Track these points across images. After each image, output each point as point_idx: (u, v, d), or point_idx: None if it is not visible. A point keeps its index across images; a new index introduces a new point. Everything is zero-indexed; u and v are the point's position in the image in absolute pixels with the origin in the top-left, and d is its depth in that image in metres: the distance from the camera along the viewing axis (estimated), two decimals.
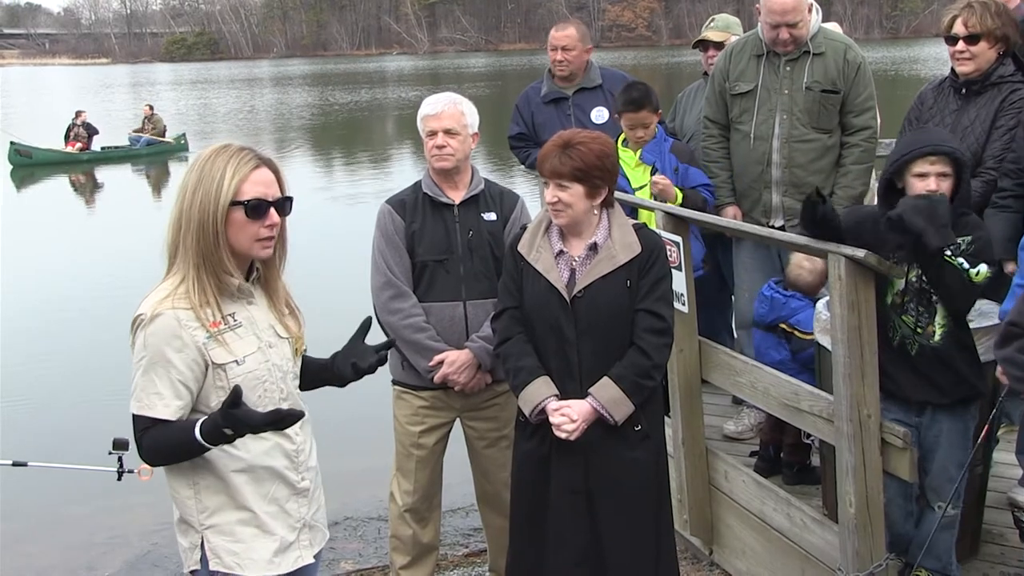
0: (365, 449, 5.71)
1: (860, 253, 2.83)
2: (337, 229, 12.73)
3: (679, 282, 3.51)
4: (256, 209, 2.23)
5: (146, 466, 3.28)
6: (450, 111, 3.41)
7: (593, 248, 2.90)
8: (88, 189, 19.72)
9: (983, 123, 3.77)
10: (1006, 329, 2.43)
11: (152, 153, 22.21)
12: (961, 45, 3.76)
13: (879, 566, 2.99)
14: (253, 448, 2.28)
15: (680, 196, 4.19)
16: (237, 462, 2.27)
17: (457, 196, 3.48)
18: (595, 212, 2.91)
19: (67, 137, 22.17)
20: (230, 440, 2.16)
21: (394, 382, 3.62)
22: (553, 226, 2.96)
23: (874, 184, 4.26)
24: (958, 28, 3.77)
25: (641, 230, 2.97)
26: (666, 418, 3.52)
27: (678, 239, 3.56)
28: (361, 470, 5.57)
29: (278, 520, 2.33)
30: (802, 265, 3.96)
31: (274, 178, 2.29)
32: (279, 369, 2.34)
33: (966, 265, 2.82)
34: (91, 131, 22.30)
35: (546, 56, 5.08)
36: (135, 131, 22.92)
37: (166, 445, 2.20)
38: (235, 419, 2.10)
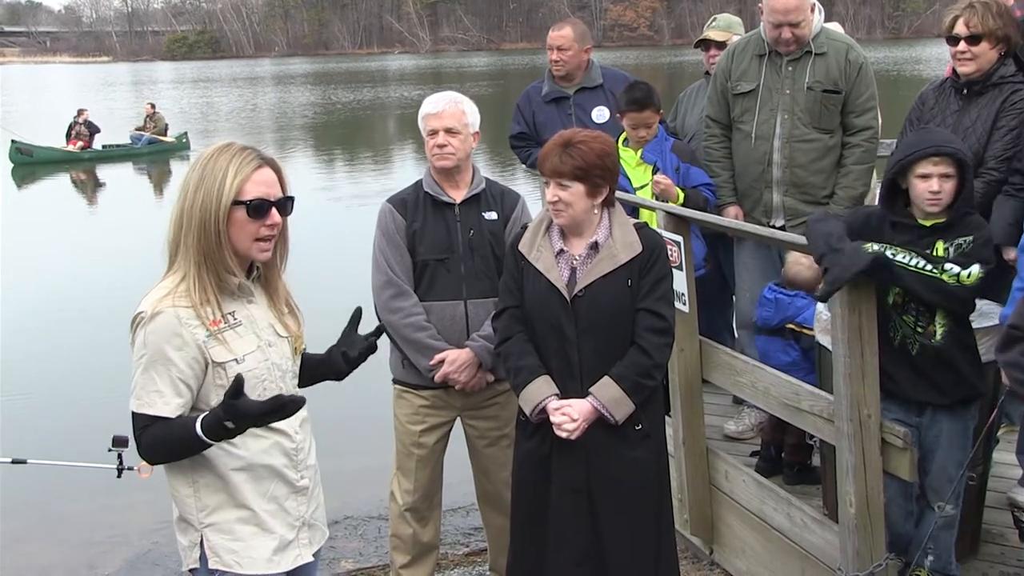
0: (365, 448, 5.71)
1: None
2: (338, 228, 12.73)
3: (680, 281, 3.51)
4: (258, 209, 2.24)
5: (146, 463, 3.28)
6: (451, 110, 3.41)
7: (594, 247, 2.90)
8: (89, 187, 19.73)
9: (984, 123, 3.76)
10: (1008, 333, 2.43)
11: (153, 152, 22.22)
12: (962, 45, 3.76)
13: (879, 566, 2.99)
14: (252, 446, 2.28)
15: (682, 196, 4.19)
16: (236, 460, 2.27)
17: (458, 195, 3.49)
18: (596, 211, 2.91)
19: (68, 135, 22.19)
20: (231, 435, 2.15)
21: (395, 381, 3.62)
22: (554, 225, 2.96)
23: (875, 185, 4.27)
24: (959, 28, 3.76)
25: (642, 229, 2.97)
26: (667, 417, 3.52)
27: (679, 238, 3.56)
28: (361, 469, 5.58)
29: (277, 518, 2.33)
30: (800, 261, 3.96)
31: (276, 178, 2.29)
32: (278, 368, 2.34)
33: (956, 269, 2.82)
34: (93, 129, 22.32)
35: (548, 55, 5.08)
36: (137, 129, 22.93)
37: (166, 442, 2.20)
38: (236, 410, 2.09)
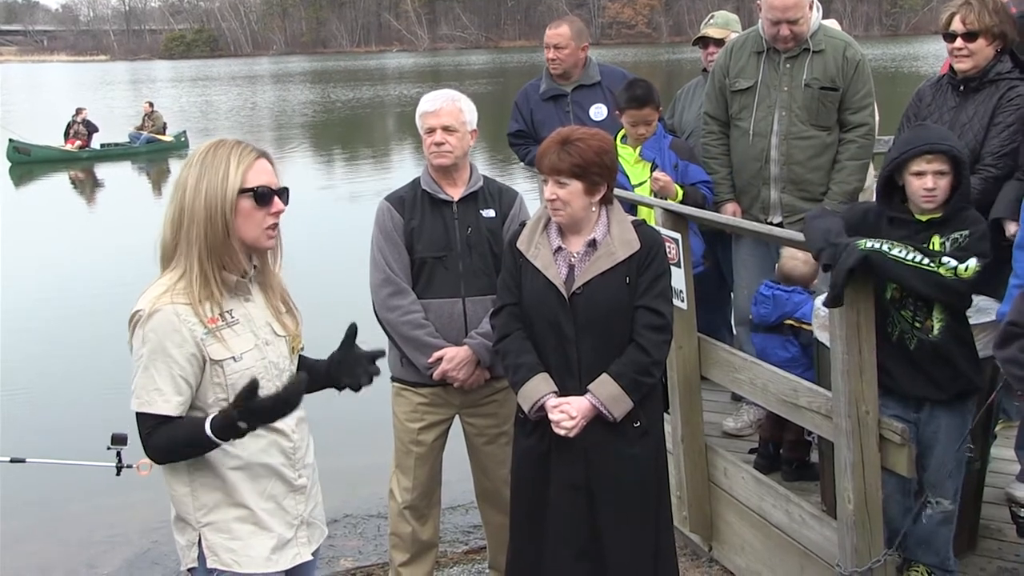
0: (364, 446, 5.71)
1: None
2: (337, 226, 12.73)
3: (678, 279, 3.52)
4: (264, 196, 2.25)
5: (146, 460, 3.27)
6: (448, 108, 3.41)
7: (592, 245, 2.90)
8: (88, 187, 19.71)
9: (981, 120, 3.77)
10: (1006, 329, 2.44)
11: (152, 151, 22.20)
12: (959, 42, 3.76)
13: (877, 562, 3.00)
14: (250, 445, 2.28)
15: (680, 193, 4.19)
16: (233, 459, 2.27)
17: (456, 193, 3.49)
18: (594, 209, 2.91)
19: (67, 134, 22.17)
20: (242, 435, 2.15)
21: (393, 379, 3.62)
22: (552, 223, 2.96)
23: (872, 180, 4.27)
24: (956, 25, 3.77)
25: (640, 227, 2.97)
26: (665, 415, 3.52)
27: (677, 236, 3.57)
28: (360, 467, 5.58)
29: (275, 517, 2.34)
30: (795, 256, 3.97)
31: (272, 169, 2.30)
32: (275, 367, 2.34)
33: (952, 263, 2.82)
34: (91, 128, 22.30)
35: (545, 54, 5.08)
36: (136, 128, 22.91)
37: (175, 443, 2.20)
38: (252, 411, 2.09)
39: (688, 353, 3.68)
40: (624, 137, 4.39)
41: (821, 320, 3.34)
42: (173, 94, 44.36)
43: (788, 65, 4.24)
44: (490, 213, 3.50)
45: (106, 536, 5.25)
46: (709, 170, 4.42)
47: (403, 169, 18.35)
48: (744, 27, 4.81)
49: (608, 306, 2.86)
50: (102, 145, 22.44)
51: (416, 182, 3.54)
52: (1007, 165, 3.71)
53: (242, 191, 2.23)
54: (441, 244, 3.45)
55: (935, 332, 2.96)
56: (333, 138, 26.84)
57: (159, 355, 2.18)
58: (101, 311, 9.02)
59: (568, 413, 2.83)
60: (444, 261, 3.45)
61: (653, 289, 2.88)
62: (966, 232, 2.90)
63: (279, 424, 2.32)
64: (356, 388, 2.47)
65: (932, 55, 42.26)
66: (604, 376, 2.85)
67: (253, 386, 2.09)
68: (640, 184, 4.29)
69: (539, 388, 2.88)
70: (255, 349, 2.29)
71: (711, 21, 5.03)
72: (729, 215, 4.34)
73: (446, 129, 3.40)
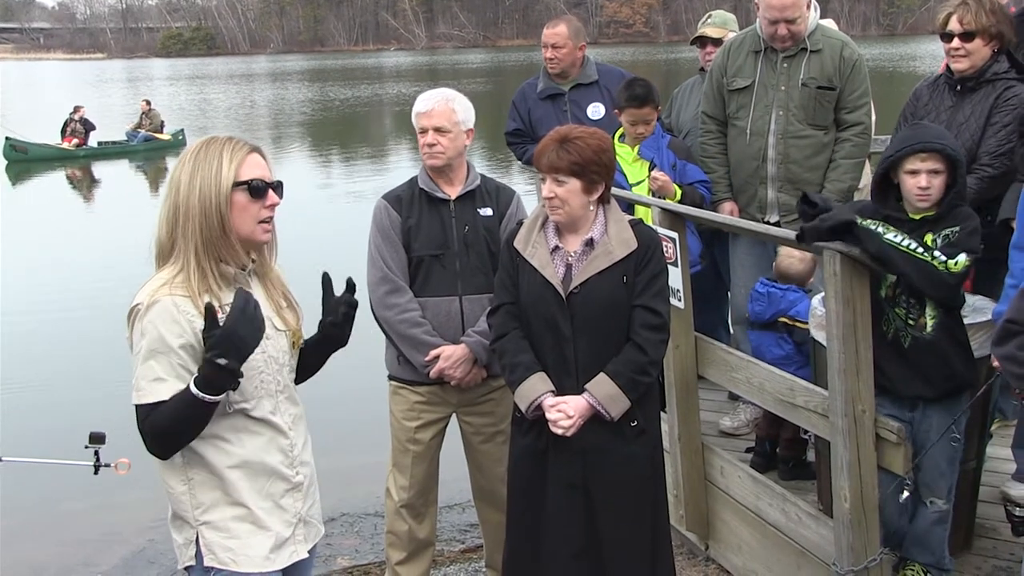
0: (361, 445, 5.71)
1: (855, 250, 2.84)
2: (334, 224, 12.73)
3: (675, 278, 3.52)
4: (259, 189, 2.25)
5: (124, 460, 3.24)
6: (440, 109, 3.41)
7: (589, 244, 2.90)
8: (85, 185, 19.68)
9: (978, 120, 3.78)
10: (1004, 327, 2.44)
11: (149, 149, 22.18)
12: (956, 42, 3.77)
13: (873, 561, 3.01)
14: (248, 444, 2.28)
15: (679, 192, 4.20)
16: (231, 458, 2.27)
17: (453, 191, 3.49)
18: (592, 208, 2.91)
19: (64, 132, 22.14)
20: (230, 378, 2.12)
21: (390, 377, 3.62)
22: (549, 222, 2.96)
23: (867, 180, 4.28)
24: (953, 25, 3.78)
25: (637, 226, 2.97)
26: (662, 414, 3.53)
27: (674, 235, 3.57)
28: (357, 466, 5.58)
29: (273, 516, 2.33)
30: (792, 254, 3.98)
31: (265, 163, 2.31)
32: (276, 361, 2.34)
33: (942, 257, 2.83)
34: (88, 127, 22.27)
35: (542, 53, 5.08)
36: (133, 127, 22.87)
37: (168, 422, 2.15)
38: (219, 339, 2.09)
39: (685, 352, 3.68)
40: (622, 136, 4.39)
41: (818, 319, 3.34)
42: (170, 92, 44.29)
43: (785, 64, 4.24)
44: (487, 212, 3.50)
45: (102, 534, 5.25)
46: (707, 169, 4.43)
47: (401, 168, 18.33)
48: (742, 26, 4.82)
49: (605, 305, 2.86)
50: (99, 143, 22.42)
51: (414, 180, 3.54)
52: (1003, 165, 3.72)
53: (236, 184, 2.23)
54: (438, 242, 3.45)
55: (928, 329, 2.97)
56: (331, 136, 26.82)
57: (159, 346, 2.17)
58: (102, 309, 8.99)
59: (565, 412, 2.83)
60: (441, 259, 3.45)
61: (650, 288, 2.88)
62: (956, 228, 2.91)
63: (277, 421, 2.32)
64: (339, 326, 2.45)
65: (929, 55, 42.32)
66: (601, 375, 2.85)
67: (211, 313, 2.09)
68: (638, 183, 4.29)
69: (536, 387, 2.88)
70: None
71: (709, 20, 5.03)
72: (726, 214, 4.34)
73: (438, 130, 3.40)
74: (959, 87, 3.85)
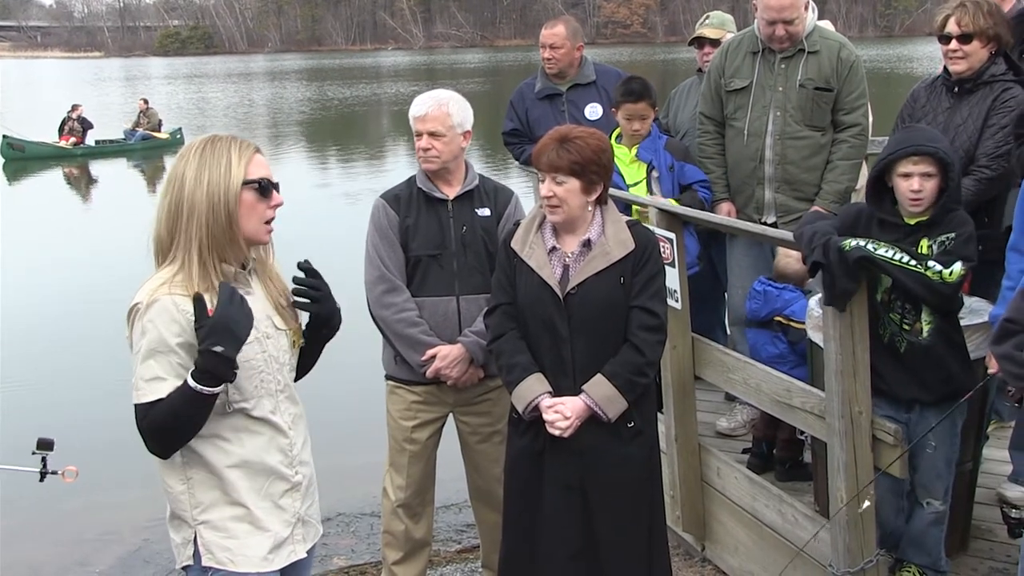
0: (358, 445, 5.71)
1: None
2: (332, 224, 12.71)
3: (672, 279, 3.52)
4: (266, 188, 2.26)
5: (71, 467, 3.19)
6: (435, 113, 3.40)
7: (587, 245, 2.91)
8: (82, 183, 19.64)
9: (975, 121, 3.78)
10: (1002, 326, 2.44)
11: (147, 148, 22.15)
12: (954, 44, 3.77)
13: (870, 562, 3.01)
14: (247, 443, 2.28)
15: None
16: (230, 457, 2.27)
17: (451, 192, 3.49)
18: (589, 208, 2.91)
19: (61, 131, 22.10)
20: (226, 367, 2.12)
21: (387, 377, 3.63)
22: (547, 222, 2.96)
23: (863, 181, 4.28)
24: (951, 27, 3.78)
25: (635, 227, 2.97)
26: (659, 414, 3.53)
27: (672, 235, 3.57)
28: (354, 466, 5.57)
29: (272, 516, 2.33)
30: (790, 254, 3.98)
31: (266, 164, 2.31)
32: (276, 360, 2.33)
33: (937, 267, 2.83)
34: (86, 125, 22.24)
35: (540, 53, 5.08)
36: (131, 125, 22.83)
37: (166, 418, 2.14)
38: (212, 327, 2.09)
39: (682, 353, 3.69)
40: (619, 137, 4.39)
41: (815, 320, 3.34)
42: (168, 91, 44.23)
43: (783, 65, 4.25)
44: (485, 212, 3.50)
45: (99, 534, 5.24)
46: (704, 170, 4.43)
47: (398, 167, 18.33)
48: (739, 27, 4.82)
49: (602, 306, 2.86)
50: (97, 142, 22.39)
51: (412, 180, 3.54)
52: (1001, 166, 3.73)
53: (246, 183, 2.23)
54: (436, 242, 3.45)
55: (924, 335, 2.97)
56: (329, 136, 26.80)
57: (158, 344, 2.17)
58: (100, 308, 8.96)
59: (563, 413, 2.83)
60: (439, 259, 3.45)
61: (648, 289, 2.88)
62: (952, 235, 2.91)
63: (276, 421, 2.32)
64: (312, 305, 2.41)
65: (926, 56, 42.39)
66: (598, 376, 2.85)
67: (198, 301, 2.09)
68: (635, 184, 4.29)
69: (533, 388, 2.88)
70: (255, 342, 2.26)
71: (707, 21, 5.04)
72: (724, 215, 4.35)
73: (432, 135, 3.40)
74: (956, 89, 3.86)
